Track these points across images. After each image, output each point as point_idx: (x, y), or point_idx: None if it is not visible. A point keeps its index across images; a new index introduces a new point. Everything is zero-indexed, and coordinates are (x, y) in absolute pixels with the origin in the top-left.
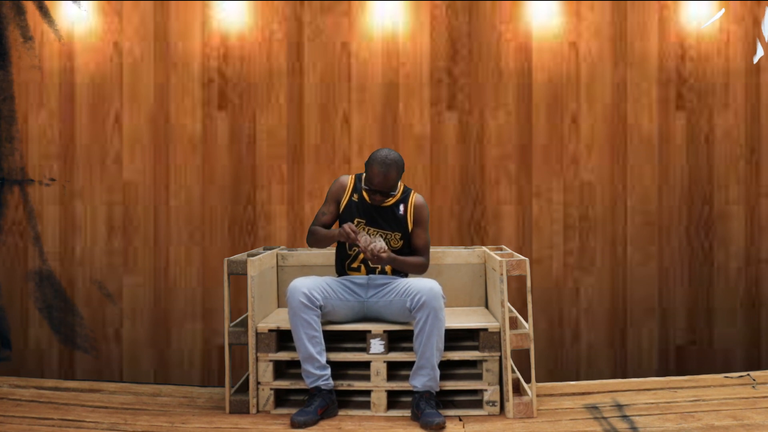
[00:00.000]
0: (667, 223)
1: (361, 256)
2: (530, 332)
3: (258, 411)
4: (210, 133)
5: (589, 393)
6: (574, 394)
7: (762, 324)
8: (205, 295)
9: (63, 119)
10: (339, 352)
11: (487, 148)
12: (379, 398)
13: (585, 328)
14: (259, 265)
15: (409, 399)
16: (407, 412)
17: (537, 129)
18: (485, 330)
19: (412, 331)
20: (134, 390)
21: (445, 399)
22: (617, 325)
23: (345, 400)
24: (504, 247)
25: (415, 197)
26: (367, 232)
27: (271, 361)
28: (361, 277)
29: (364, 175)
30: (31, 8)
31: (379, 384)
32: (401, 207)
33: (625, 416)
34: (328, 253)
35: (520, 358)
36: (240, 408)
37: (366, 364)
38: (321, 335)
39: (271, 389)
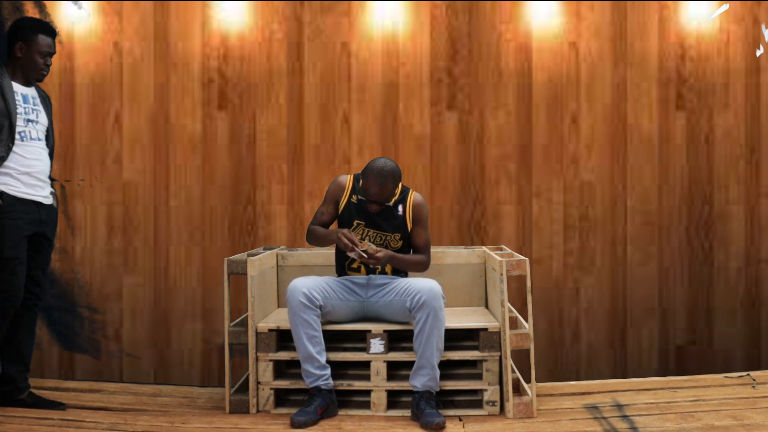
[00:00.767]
0: (667, 223)
1: None
2: (530, 332)
3: (258, 411)
4: (210, 133)
5: (589, 393)
6: (574, 394)
7: (762, 324)
8: (205, 295)
9: (63, 119)
10: (339, 352)
11: (487, 148)
12: (379, 398)
13: (585, 328)
14: (259, 265)
15: (409, 399)
16: (407, 412)
17: (537, 129)
18: (485, 330)
19: (412, 331)
20: (134, 390)
21: (445, 399)
22: (617, 325)
23: (345, 399)
24: (504, 247)
25: (413, 196)
26: (366, 234)
27: (271, 360)
28: (361, 277)
29: (361, 182)
30: (30, 8)
31: (379, 384)
32: (400, 207)
33: (625, 416)
34: (328, 253)
35: (520, 358)
36: (240, 408)
37: (366, 364)
38: (321, 335)
39: (271, 389)
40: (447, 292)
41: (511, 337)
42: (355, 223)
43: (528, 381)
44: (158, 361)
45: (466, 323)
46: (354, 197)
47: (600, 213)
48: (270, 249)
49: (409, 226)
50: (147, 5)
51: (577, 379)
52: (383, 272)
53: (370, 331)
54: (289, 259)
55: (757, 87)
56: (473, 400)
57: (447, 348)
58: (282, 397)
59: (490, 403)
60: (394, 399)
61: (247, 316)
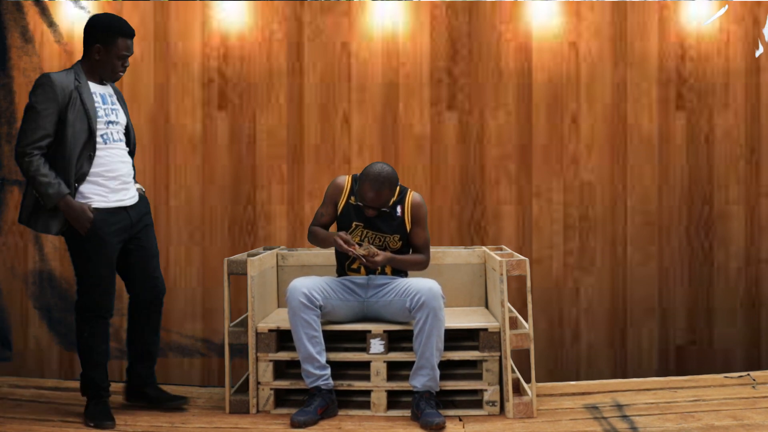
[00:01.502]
0: (667, 223)
1: None
2: (530, 332)
3: (258, 411)
4: (210, 133)
5: (589, 393)
6: (574, 394)
7: (762, 324)
8: (205, 295)
9: None
10: (339, 352)
11: (487, 148)
12: (379, 398)
13: (585, 328)
14: (259, 265)
15: (409, 399)
16: (407, 412)
17: (537, 129)
18: (485, 330)
19: (412, 331)
20: None
21: (445, 399)
22: (617, 325)
23: (345, 400)
24: (504, 247)
25: (411, 196)
26: (365, 235)
27: (271, 361)
28: (360, 278)
29: (358, 186)
30: (30, 8)
31: (379, 384)
32: (398, 208)
33: (625, 416)
34: (328, 253)
35: (520, 358)
36: (240, 408)
37: (366, 364)
38: (321, 335)
39: (271, 389)
40: (447, 292)
41: (511, 337)
42: (354, 225)
43: (528, 381)
44: (158, 361)
45: (466, 323)
46: (353, 198)
47: (600, 213)
48: (270, 249)
49: (408, 226)
50: (147, 5)
51: (577, 379)
52: (383, 272)
53: (370, 331)
54: (289, 259)
55: (757, 87)
56: (473, 400)
57: (447, 348)
58: (282, 398)
59: (490, 403)
60: (394, 399)
61: (247, 317)
